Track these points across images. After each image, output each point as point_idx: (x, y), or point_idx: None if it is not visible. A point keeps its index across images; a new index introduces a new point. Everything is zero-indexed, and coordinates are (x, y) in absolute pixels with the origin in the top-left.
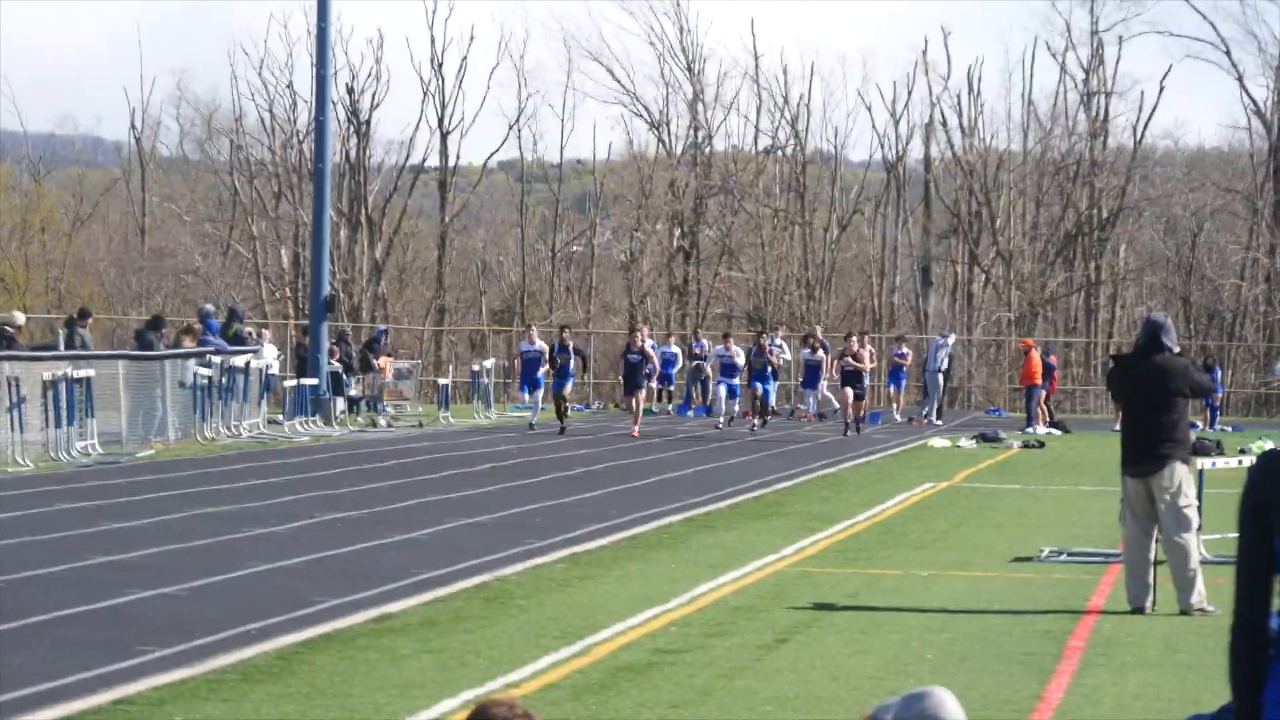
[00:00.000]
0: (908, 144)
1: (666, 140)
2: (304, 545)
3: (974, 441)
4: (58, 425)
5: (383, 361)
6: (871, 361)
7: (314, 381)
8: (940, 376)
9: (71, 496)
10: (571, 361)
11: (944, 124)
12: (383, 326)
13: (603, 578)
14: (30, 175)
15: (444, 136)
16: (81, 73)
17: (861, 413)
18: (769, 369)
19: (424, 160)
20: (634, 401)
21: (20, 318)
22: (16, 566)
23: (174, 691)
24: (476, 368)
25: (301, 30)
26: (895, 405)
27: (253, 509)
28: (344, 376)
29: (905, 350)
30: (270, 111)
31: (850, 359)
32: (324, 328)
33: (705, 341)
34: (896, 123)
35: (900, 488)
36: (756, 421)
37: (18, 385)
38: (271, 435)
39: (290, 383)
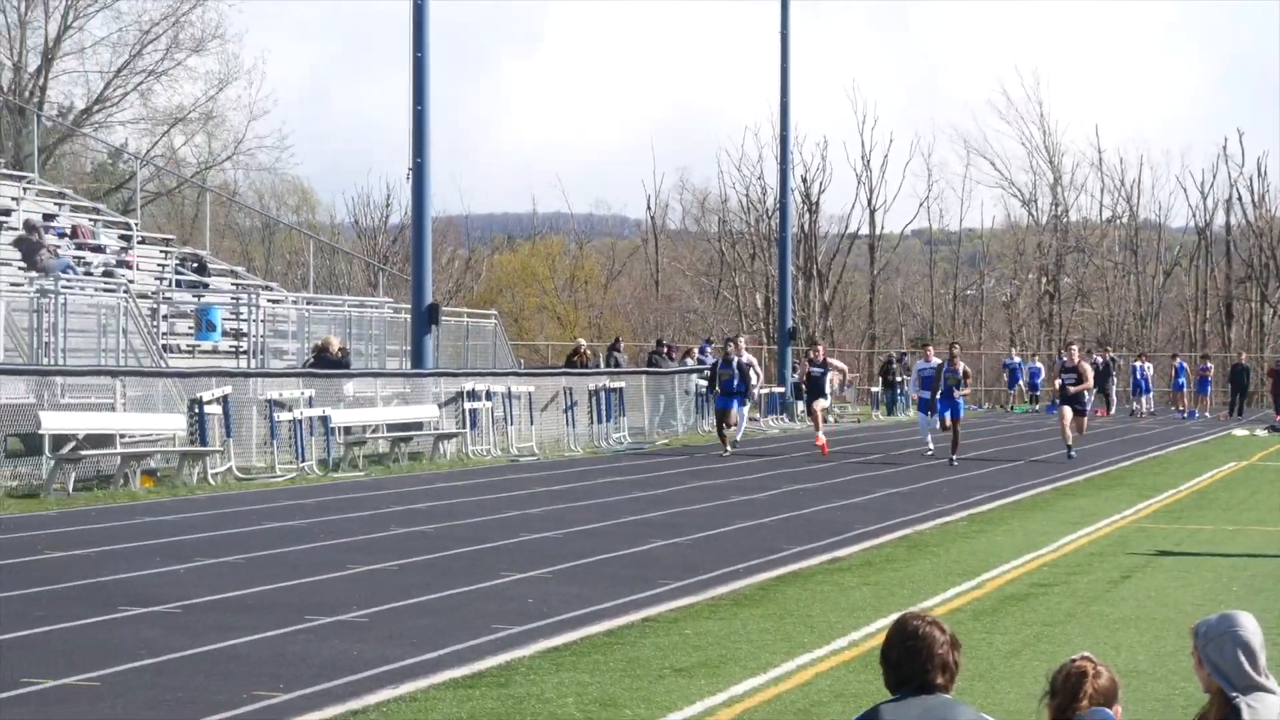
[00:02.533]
0: (1213, 214)
1: (1034, 213)
2: (774, 508)
3: (1266, 431)
4: (599, 421)
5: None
6: (1087, 377)
7: (781, 389)
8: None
9: (609, 473)
10: (736, 379)
11: (1239, 199)
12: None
13: (993, 531)
14: (576, 244)
15: (872, 213)
16: (610, 168)
17: (1083, 429)
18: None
19: (857, 229)
20: (815, 410)
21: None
22: (575, 523)
23: (684, 613)
24: (899, 379)
25: (768, 137)
26: (1200, 406)
27: (737, 482)
28: (802, 386)
29: (1209, 365)
30: (746, 195)
31: (1071, 373)
32: (788, 350)
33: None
34: (1205, 198)
35: (1211, 465)
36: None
37: (571, 393)
38: (750, 429)
39: (764, 391)
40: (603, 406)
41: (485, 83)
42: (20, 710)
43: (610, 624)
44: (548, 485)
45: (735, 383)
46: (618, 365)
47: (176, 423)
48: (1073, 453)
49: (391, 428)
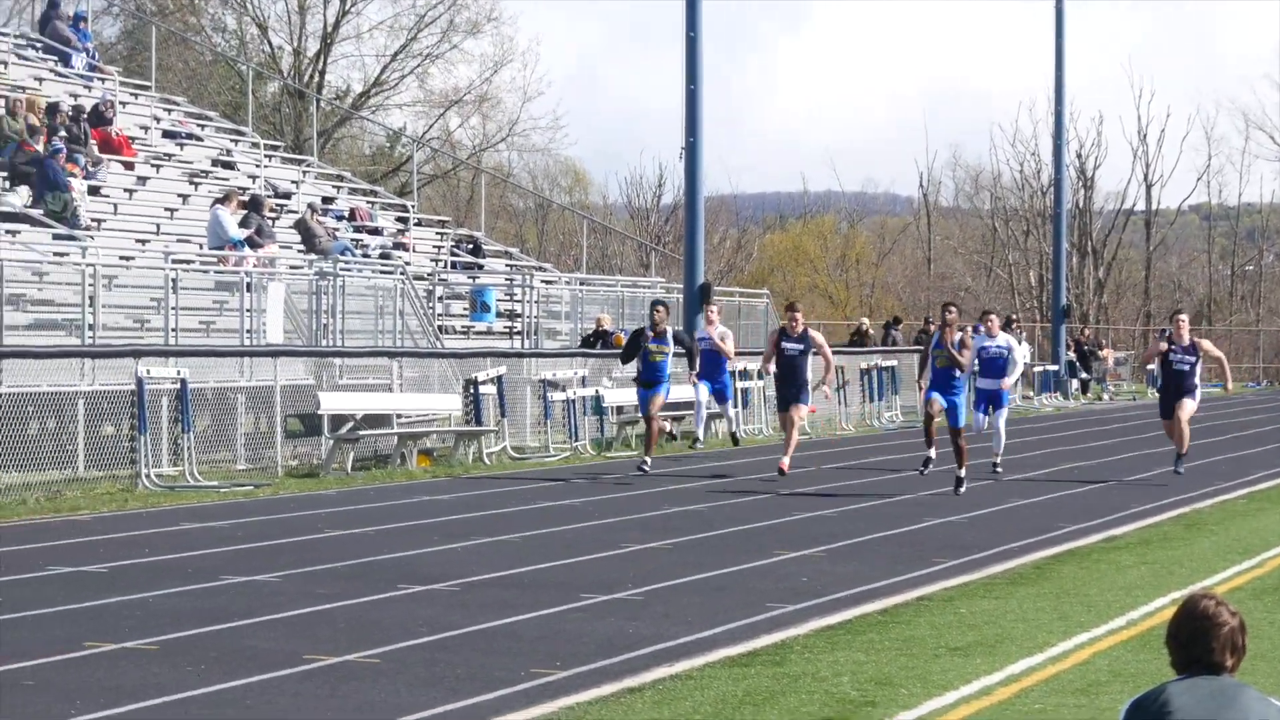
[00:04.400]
0: None
1: None
2: (1048, 488)
3: None
4: (871, 400)
5: (1105, 351)
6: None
7: (1055, 367)
8: None
9: (881, 451)
10: (666, 361)
11: None
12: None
13: (1274, 509)
14: (847, 222)
15: (1148, 188)
16: (881, 145)
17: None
18: None
19: (1133, 205)
20: (792, 418)
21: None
22: (847, 501)
23: (959, 591)
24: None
25: (1043, 111)
26: None
27: (1018, 460)
28: (1076, 363)
29: None
30: (1020, 171)
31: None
32: (1062, 328)
33: None
34: None
35: None
36: None
37: (843, 372)
38: (1023, 407)
39: (1037, 369)
40: (875, 385)
41: (753, 61)
42: (305, 686)
43: (885, 603)
44: (819, 464)
45: (663, 367)
46: (895, 344)
47: (452, 403)
48: None
49: (663, 407)
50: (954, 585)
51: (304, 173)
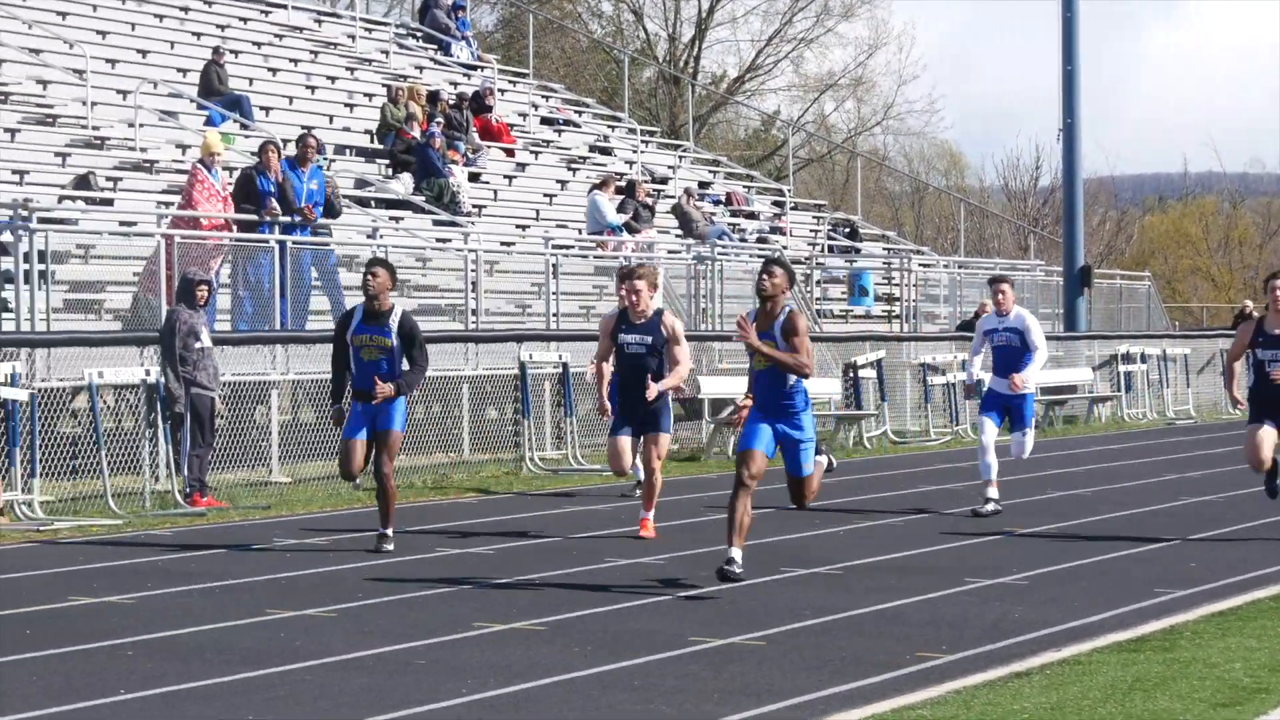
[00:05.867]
0: None
1: None
2: None
3: None
4: None
5: None
6: None
7: None
8: None
9: None
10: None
11: None
12: None
13: None
14: (1229, 204)
15: None
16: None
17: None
18: None
19: None
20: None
21: None
22: (1235, 486)
23: None
24: None
25: None
26: None
27: None
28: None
29: None
30: None
31: None
32: None
33: None
34: None
35: None
36: None
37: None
38: None
39: None
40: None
41: (1129, 41)
42: (690, 667)
43: (1276, 589)
44: (1206, 449)
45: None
46: None
47: (832, 386)
48: None
49: (1045, 391)
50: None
51: (680, 158)
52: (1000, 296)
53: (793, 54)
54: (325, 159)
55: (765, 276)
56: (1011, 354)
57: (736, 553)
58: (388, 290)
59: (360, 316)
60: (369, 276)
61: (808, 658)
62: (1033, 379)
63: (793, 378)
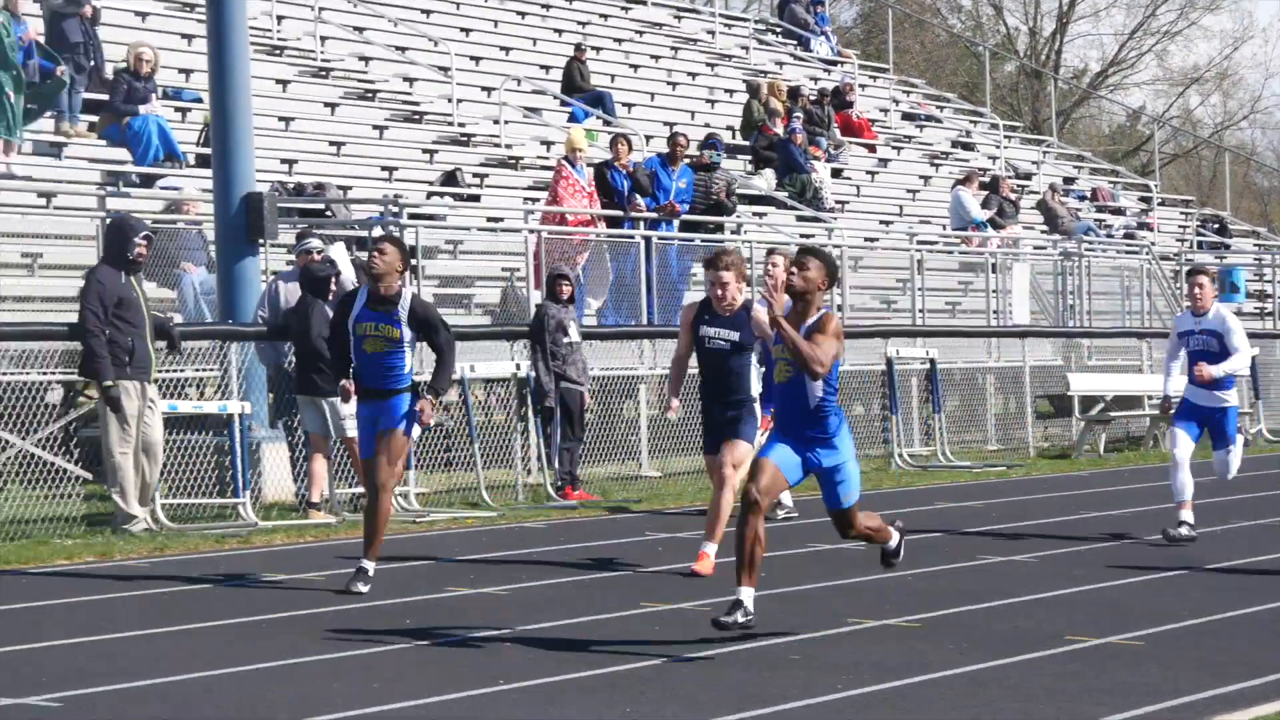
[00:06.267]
0: None
1: None
2: None
3: None
4: None
5: None
6: None
7: None
8: None
9: None
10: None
11: None
12: None
13: None
14: None
15: None
16: None
17: None
18: None
19: None
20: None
21: None
22: None
23: None
24: None
25: None
26: None
27: None
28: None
29: None
30: None
31: None
32: None
33: None
34: None
35: None
36: None
37: None
38: None
39: None
40: None
41: None
42: (1068, 666)
43: None
44: None
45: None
46: None
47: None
48: None
49: None
50: None
51: (1044, 153)
52: (1198, 291)
53: (1156, 47)
54: (719, 155)
55: (795, 270)
56: (1209, 360)
57: (747, 594)
58: (397, 271)
59: (364, 300)
60: (375, 254)
61: (1188, 658)
62: (1225, 371)
63: (818, 391)
